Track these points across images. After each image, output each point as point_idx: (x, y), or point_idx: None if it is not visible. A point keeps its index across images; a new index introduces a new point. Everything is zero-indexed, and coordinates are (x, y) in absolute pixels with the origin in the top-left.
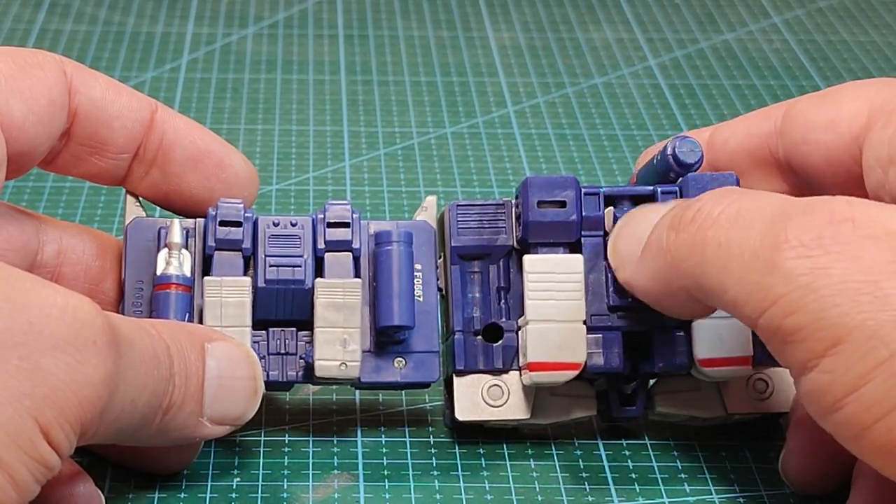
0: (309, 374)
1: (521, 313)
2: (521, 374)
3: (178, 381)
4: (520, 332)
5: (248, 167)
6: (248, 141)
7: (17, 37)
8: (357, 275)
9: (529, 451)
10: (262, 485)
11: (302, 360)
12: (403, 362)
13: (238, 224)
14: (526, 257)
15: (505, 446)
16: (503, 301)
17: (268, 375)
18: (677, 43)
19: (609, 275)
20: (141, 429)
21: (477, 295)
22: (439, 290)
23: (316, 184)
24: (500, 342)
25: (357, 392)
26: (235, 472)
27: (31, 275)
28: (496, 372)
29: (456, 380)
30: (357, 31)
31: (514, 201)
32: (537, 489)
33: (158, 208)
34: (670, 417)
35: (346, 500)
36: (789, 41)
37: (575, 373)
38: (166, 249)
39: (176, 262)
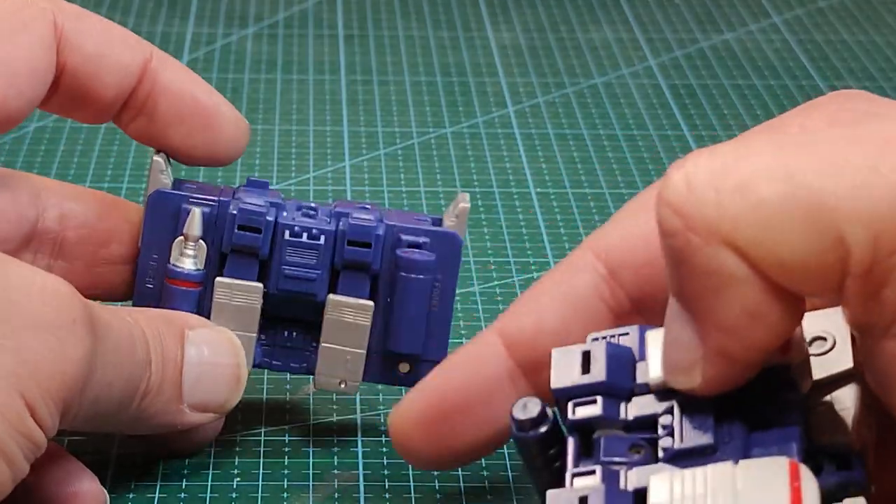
0: (310, 371)
1: None
2: None
3: (156, 367)
4: None
5: (238, 126)
6: (249, 141)
7: None
8: (373, 292)
9: None
10: (262, 485)
11: (305, 365)
12: (409, 367)
13: (258, 230)
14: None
15: (505, 446)
16: None
17: (271, 364)
18: (677, 43)
19: None
20: (118, 413)
21: None
22: None
23: (316, 184)
24: None
25: (357, 392)
26: (235, 472)
27: (7, 256)
28: None
29: None
30: (357, 31)
31: None
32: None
33: (184, 169)
34: None
35: (346, 500)
36: (789, 41)
37: None
38: (182, 238)
39: (191, 255)
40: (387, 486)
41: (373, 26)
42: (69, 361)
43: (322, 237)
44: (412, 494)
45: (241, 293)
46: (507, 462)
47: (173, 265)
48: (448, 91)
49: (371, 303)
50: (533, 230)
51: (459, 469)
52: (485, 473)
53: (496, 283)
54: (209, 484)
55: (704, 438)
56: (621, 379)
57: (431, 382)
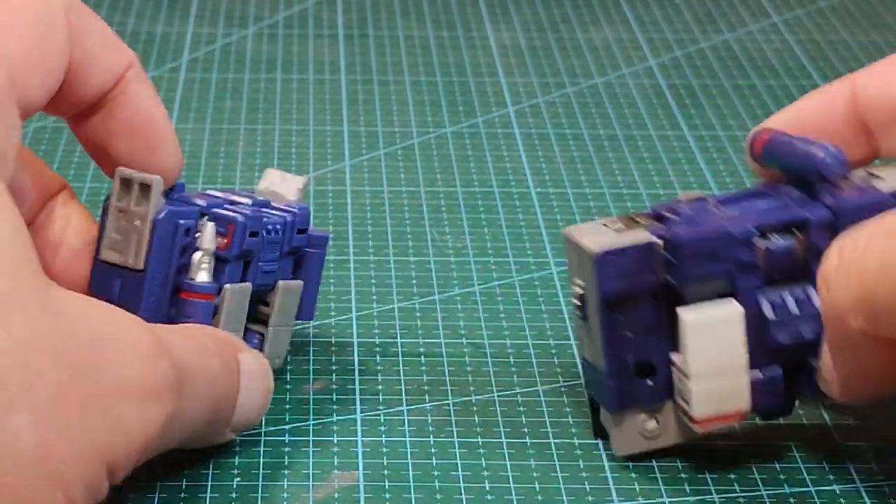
0: None
1: (673, 347)
2: (677, 410)
3: (224, 398)
4: (674, 371)
5: (176, 161)
6: (248, 141)
7: None
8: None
9: (530, 451)
10: (262, 485)
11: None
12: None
13: (256, 234)
14: (683, 314)
15: (505, 446)
16: (654, 337)
17: None
18: (677, 43)
19: (767, 311)
20: (172, 443)
21: (628, 334)
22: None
23: (316, 184)
24: (653, 378)
25: (358, 393)
26: (235, 472)
27: (109, 306)
28: (651, 409)
29: (612, 418)
30: (357, 31)
31: (659, 242)
32: (537, 489)
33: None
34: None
35: (346, 500)
36: (789, 41)
37: (741, 419)
38: (201, 253)
39: (206, 268)
40: (387, 487)
41: (373, 26)
42: (153, 424)
43: (281, 230)
44: (412, 494)
45: (242, 296)
46: (507, 462)
47: (190, 280)
48: (448, 91)
49: (301, 282)
50: (533, 230)
51: (459, 469)
52: (485, 474)
53: (496, 283)
54: (209, 484)
55: None
56: None
57: (788, 112)
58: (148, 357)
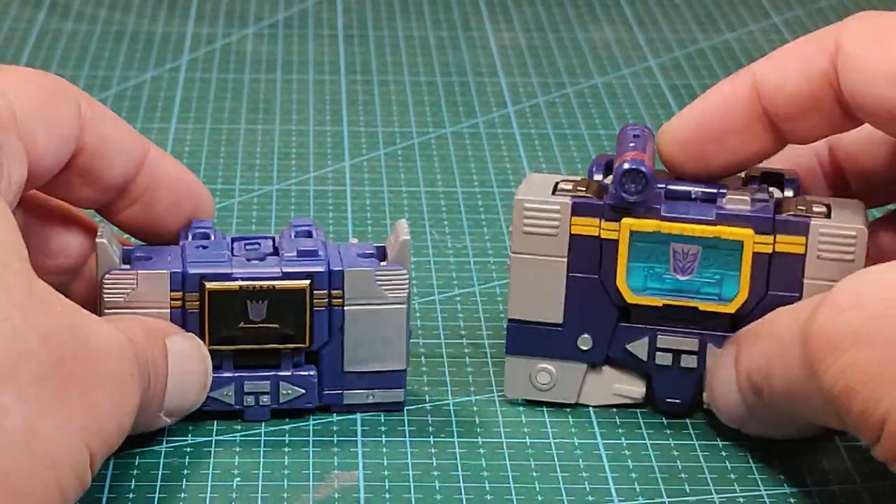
0: None
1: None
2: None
3: (151, 385)
4: None
5: (210, 197)
6: (248, 141)
7: (17, 37)
8: None
9: (529, 451)
10: (262, 485)
11: None
12: None
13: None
14: None
15: (505, 446)
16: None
17: None
18: (677, 43)
19: None
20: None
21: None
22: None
23: (316, 184)
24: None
25: None
26: (235, 472)
27: (86, 312)
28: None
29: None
30: (357, 31)
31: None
32: (537, 489)
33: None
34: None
35: (346, 500)
36: (789, 41)
37: None
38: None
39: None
40: (387, 486)
41: (373, 26)
42: (125, 413)
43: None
44: (412, 494)
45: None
46: (507, 462)
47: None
48: (448, 91)
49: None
50: None
51: (459, 469)
52: (485, 474)
53: (496, 283)
54: (209, 484)
55: None
56: None
57: (692, 111)
58: (119, 347)
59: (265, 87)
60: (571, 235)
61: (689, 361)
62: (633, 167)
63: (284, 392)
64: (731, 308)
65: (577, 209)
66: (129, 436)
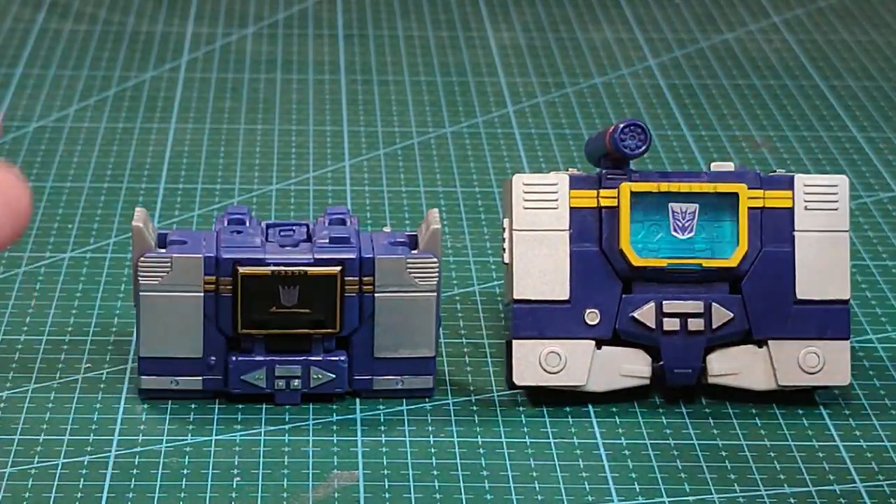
0: None
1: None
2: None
3: None
4: None
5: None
6: (248, 141)
7: (16, 37)
8: None
9: (529, 451)
10: (262, 485)
11: None
12: None
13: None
14: None
15: (504, 445)
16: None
17: None
18: (677, 43)
19: None
20: None
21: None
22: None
23: (316, 184)
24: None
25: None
26: (235, 472)
27: None
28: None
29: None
30: (357, 31)
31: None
32: (537, 489)
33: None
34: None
35: (346, 500)
36: (789, 41)
37: None
38: None
39: None
40: (387, 486)
41: (373, 26)
42: None
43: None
44: (412, 494)
45: None
46: (507, 462)
47: None
48: (448, 91)
49: None
50: None
51: (459, 469)
52: (485, 473)
53: (496, 283)
54: (209, 484)
55: None
56: None
57: None
58: None
59: (265, 87)
60: (571, 209)
61: (696, 325)
62: (633, 122)
63: (315, 377)
64: (732, 262)
65: (575, 182)
66: (129, 435)
